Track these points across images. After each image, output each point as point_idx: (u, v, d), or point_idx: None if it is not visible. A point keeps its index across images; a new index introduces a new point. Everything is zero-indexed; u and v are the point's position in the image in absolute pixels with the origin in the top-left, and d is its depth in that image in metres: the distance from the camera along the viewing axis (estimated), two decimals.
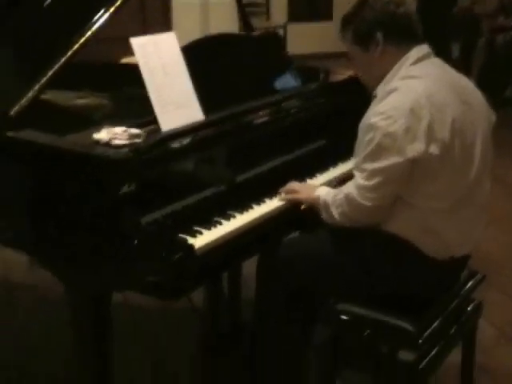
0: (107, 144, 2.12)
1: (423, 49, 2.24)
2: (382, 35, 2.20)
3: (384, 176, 2.10)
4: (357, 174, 2.17)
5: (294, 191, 2.45)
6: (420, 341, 2.13)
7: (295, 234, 2.80)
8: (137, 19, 8.90)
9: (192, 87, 2.43)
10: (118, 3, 2.52)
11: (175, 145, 2.24)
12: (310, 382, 2.53)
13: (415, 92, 2.09)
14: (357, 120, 2.28)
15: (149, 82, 2.29)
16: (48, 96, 2.71)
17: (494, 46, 7.25)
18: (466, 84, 2.28)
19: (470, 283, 2.45)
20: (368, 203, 2.14)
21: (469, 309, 2.47)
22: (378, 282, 2.24)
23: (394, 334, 2.17)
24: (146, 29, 8.99)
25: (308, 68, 3.18)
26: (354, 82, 2.69)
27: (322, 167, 2.76)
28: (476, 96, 2.28)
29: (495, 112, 7.01)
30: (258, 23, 8.96)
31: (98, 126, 2.43)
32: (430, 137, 2.05)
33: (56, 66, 2.50)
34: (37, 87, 2.41)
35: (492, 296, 3.46)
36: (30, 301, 3.47)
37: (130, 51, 2.35)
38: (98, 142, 2.14)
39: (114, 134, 2.15)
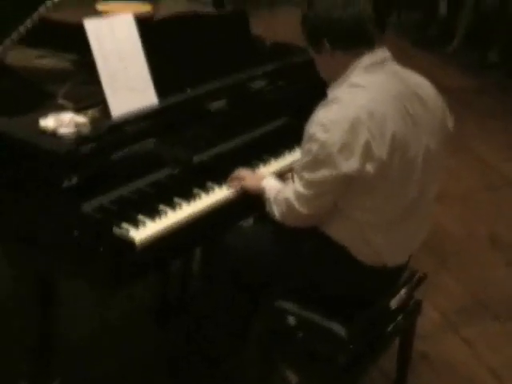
0: (53, 133, 2.11)
1: (376, 55, 2.18)
2: (329, 42, 2.16)
3: (320, 188, 2.12)
4: (296, 179, 2.19)
5: (241, 178, 2.46)
6: (351, 346, 2.18)
7: (249, 220, 2.84)
8: None
9: (148, 71, 2.40)
10: None
11: (123, 133, 2.23)
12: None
13: (357, 106, 2.07)
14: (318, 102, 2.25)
15: (101, 68, 2.26)
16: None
17: (481, 5, 7.14)
18: (423, 92, 2.22)
19: (409, 284, 2.48)
20: (304, 211, 2.17)
21: (408, 307, 2.50)
22: (313, 281, 2.28)
23: (326, 336, 2.22)
24: None
25: (281, 45, 3.13)
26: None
27: (278, 152, 2.75)
28: (431, 104, 2.23)
29: (480, 71, 6.77)
30: None
31: (51, 98, 2.44)
32: (366, 155, 2.04)
33: (27, 23, 2.51)
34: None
35: (444, 279, 3.52)
36: None
37: None
38: (44, 131, 2.12)
39: (61, 122, 2.13)
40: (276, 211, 2.28)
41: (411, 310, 2.52)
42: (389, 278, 2.36)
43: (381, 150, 2.06)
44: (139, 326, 3.02)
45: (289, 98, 2.88)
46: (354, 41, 2.17)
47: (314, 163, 2.10)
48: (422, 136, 2.18)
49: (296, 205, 2.17)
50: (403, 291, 2.44)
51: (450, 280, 3.53)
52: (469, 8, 7.25)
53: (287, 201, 2.21)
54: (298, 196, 2.17)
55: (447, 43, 7.44)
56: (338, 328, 2.19)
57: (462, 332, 3.16)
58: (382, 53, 2.21)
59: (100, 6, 4.20)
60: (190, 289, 3.05)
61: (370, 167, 2.05)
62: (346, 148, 2.03)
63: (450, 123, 2.32)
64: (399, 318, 2.45)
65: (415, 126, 2.15)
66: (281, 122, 2.89)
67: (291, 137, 2.78)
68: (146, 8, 4.30)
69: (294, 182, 2.21)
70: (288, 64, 2.94)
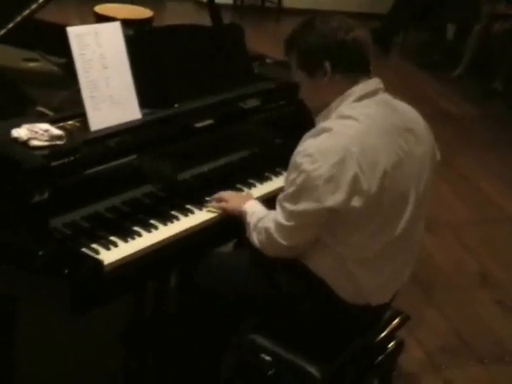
0: (25, 143, 2.00)
1: (370, 85, 2.08)
2: (330, 64, 2.05)
3: (300, 220, 2.02)
4: (278, 209, 2.08)
5: (223, 200, 2.36)
6: None
7: (229, 245, 2.72)
8: None
9: (132, 82, 2.29)
10: None
11: (100, 148, 2.12)
12: None
13: (347, 137, 1.96)
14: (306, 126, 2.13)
15: (82, 76, 2.16)
16: None
17: (490, 33, 7.04)
18: (415, 125, 2.12)
19: (392, 323, 2.37)
20: (283, 242, 2.06)
21: (388, 347, 2.39)
22: (288, 316, 2.18)
23: (300, 376, 2.10)
24: None
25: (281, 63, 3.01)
26: None
27: (264, 176, 2.64)
28: (422, 137, 2.13)
29: (483, 100, 6.71)
30: None
31: (32, 105, 2.33)
32: (354, 189, 1.94)
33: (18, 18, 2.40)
34: None
35: (429, 315, 3.41)
36: None
37: None
38: (15, 140, 2.01)
39: (34, 133, 2.02)
40: (255, 239, 2.17)
41: (392, 350, 2.40)
42: (371, 316, 2.26)
43: (370, 184, 1.95)
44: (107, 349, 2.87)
45: (279, 120, 2.77)
46: (354, 65, 2.07)
47: (298, 194, 1.99)
48: (414, 170, 2.08)
49: (275, 235, 2.07)
50: (385, 332, 2.33)
51: (435, 316, 3.41)
52: (476, 35, 7.17)
53: (267, 230, 2.10)
54: (279, 227, 2.06)
55: (452, 68, 7.37)
56: (312, 368, 2.08)
57: (445, 373, 3.05)
58: (375, 83, 2.11)
59: (98, 8, 4.14)
60: (166, 309, 2.92)
61: (356, 201, 1.94)
62: (332, 181, 1.92)
63: (438, 156, 2.24)
64: (379, 358, 2.34)
65: (407, 159, 2.05)
66: (269, 145, 2.78)
67: (278, 161, 2.68)
68: (145, 13, 4.23)
69: (276, 210, 2.10)
70: (284, 85, 2.82)
